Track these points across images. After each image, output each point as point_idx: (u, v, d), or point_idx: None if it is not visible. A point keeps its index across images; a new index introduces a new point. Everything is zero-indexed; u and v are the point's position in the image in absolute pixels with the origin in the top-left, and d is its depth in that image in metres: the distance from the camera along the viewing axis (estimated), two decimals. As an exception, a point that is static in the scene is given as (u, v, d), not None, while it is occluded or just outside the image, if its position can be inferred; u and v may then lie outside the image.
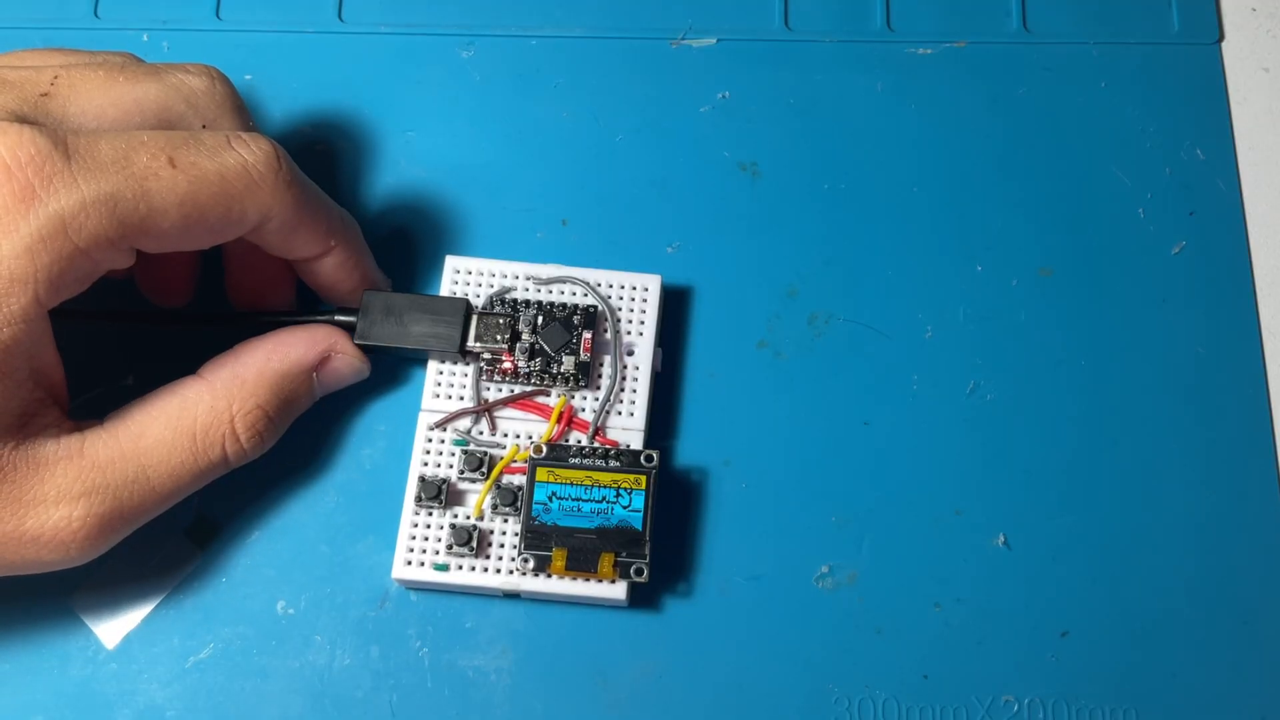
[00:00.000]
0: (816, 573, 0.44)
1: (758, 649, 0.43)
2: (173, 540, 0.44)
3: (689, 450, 0.45)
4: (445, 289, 0.45)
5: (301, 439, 0.45)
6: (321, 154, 0.49)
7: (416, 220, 0.48)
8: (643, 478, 0.42)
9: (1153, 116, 0.49)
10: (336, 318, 0.44)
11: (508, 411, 0.44)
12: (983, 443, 0.45)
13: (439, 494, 0.43)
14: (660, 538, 0.43)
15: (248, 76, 0.50)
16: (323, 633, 0.43)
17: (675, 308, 0.47)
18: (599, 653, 0.43)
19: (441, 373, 0.45)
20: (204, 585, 0.44)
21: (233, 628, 0.43)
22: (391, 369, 0.46)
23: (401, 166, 0.49)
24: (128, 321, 0.45)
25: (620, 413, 0.44)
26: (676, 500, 0.44)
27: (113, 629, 0.43)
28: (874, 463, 0.45)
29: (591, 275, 0.45)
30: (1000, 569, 0.44)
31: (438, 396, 0.44)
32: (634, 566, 0.42)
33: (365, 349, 0.44)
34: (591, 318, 0.44)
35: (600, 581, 0.42)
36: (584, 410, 0.44)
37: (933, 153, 0.49)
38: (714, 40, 0.50)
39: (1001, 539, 0.44)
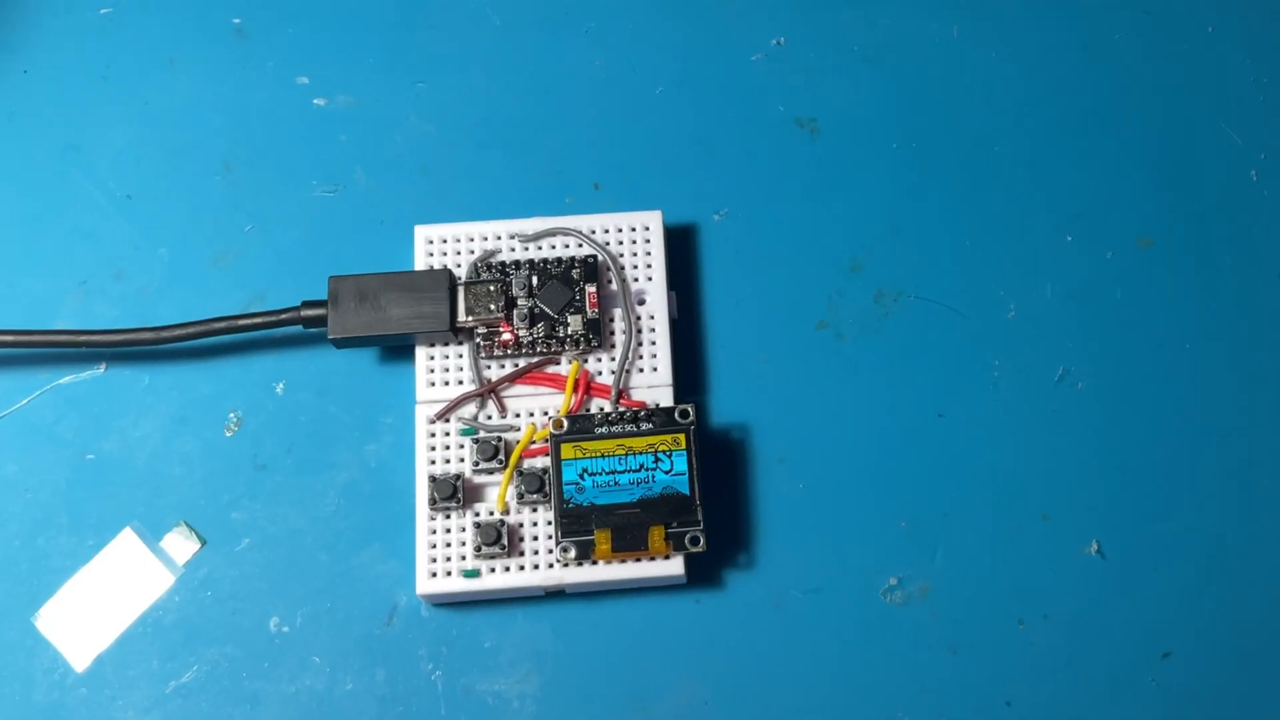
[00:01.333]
0: (884, 585, 0.43)
1: (817, 671, 0.42)
2: (151, 551, 0.43)
3: (724, 405, 0.45)
4: (420, 262, 0.44)
5: (296, 435, 0.44)
6: (318, 111, 0.48)
7: (425, 185, 0.47)
8: (681, 436, 0.41)
9: (1267, 66, 0.49)
10: (303, 313, 0.43)
11: (516, 388, 0.43)
12: (1073, 437, 0.44)
13: (454, 493, 0.42)
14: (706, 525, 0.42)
15: (236, 20, 0.49)
16: (321, 653, 0.42)
17: (722, 283, 0.46)
18: (635, 676, 0.42)
19: (433, 357, 0.44)
20: (186, 600, 0.43)
21: (219, 648, 0.42)
22: (376, 361, 0.45)
23: (410, 123, 0.48)
24: (63, 346, 0.44)
25: (642, 369, 0.43)
26: (719, 481, 0.43)
27: (82, 649, 0.42)
28: (949, 460, 0.44)
29: (583, 222, 0.45)
30: (1093, 581, 0.43)
31: (433, 384, 0.43)
32: (688, 535, 0.41)
33: (343, 342, 0.43)
34: (593, 269, 0.44)
35: (653, 559, 0.41)
36: (601, 373, 0.43)
37: (1016, 107, 0.48)
38: (767, -22, 0.50)
39: (1094, 546, 0.43)
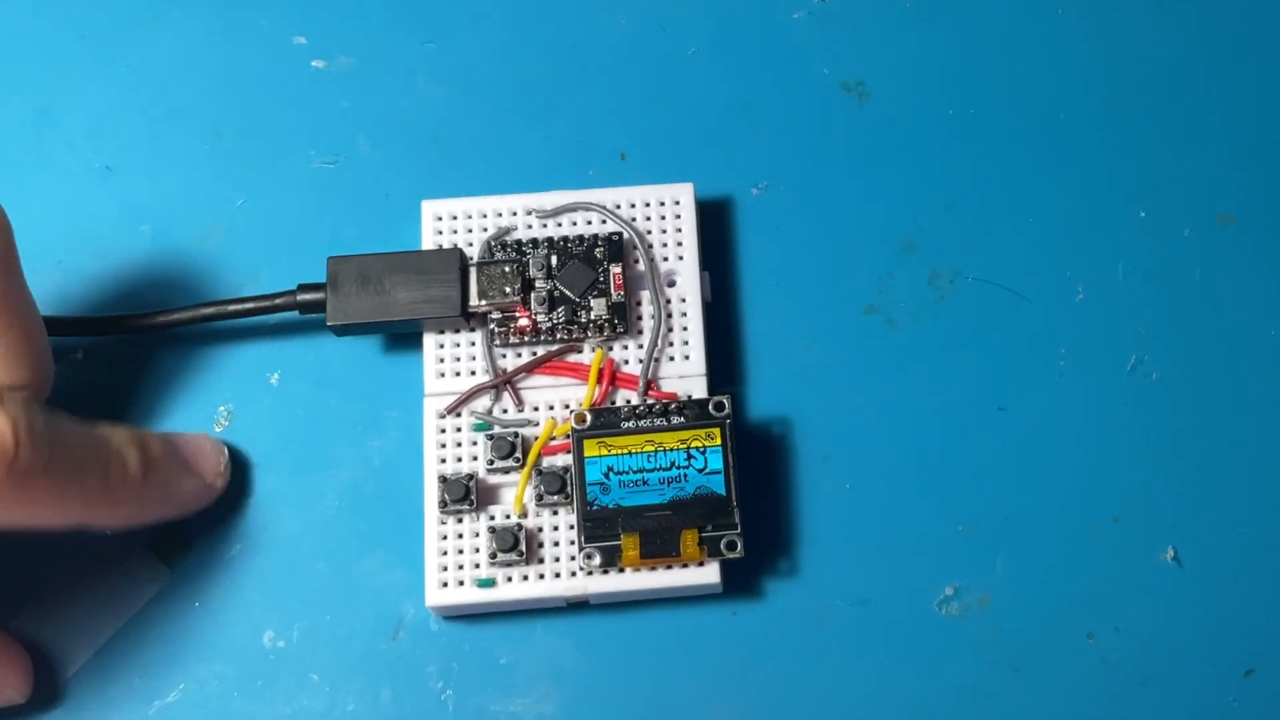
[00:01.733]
0: (939, 596, 0.42)
1: (864, 691, 0.41)
2: (134, 555, 0.43)
3: (762, 398, 0.44)
4: (428, 241, 0.43)
5: (292, 430, 0.44)
6: (317, 74, 0.47)
7: (435, 156, 0.46)
8: (716, 431, 0.40)
9: (1361, 26, 0.48)
10: (300, 298, 0.42)
11: (534, 379, 0.42)
12: (1147, 433, 0.44)
13: (467, 494, 0.41)
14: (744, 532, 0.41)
15: (225, -26, 0.48)
16: (321, 671, 0.41)
17: (760, 264, 0.45)
18: (664, 697, 0.41)
19: (443, 345, 0.43)
20: (172, 611, 0.42)
21: (208, 665, 0.41)
22: (380, 350, 0.44)
23: (418, 87, 0.47)
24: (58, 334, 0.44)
25: (672, 357, 0.43)
26: (758, 481, 0.43)
27: (57, 665, 0.41)
28: (1011, 458, 0.43)
29: (607, 196, 0.44)
30: (1169, 590, 0.42)
31: (443, 375, 0.42)
32: (724, 540, 0.40)
33: (343, 330, 0.42)
34: (618, 247, 0.43)
35: (686, 566, 0.41)
36: (628, 362, 0.43)
37: (1084, 68, 0.48)
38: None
39: (1170, 553, 0.42)
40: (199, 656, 0.42)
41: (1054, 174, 0.46)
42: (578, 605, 0.42)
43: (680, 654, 0.42)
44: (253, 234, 0.45)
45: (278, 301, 0.42)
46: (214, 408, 0.43)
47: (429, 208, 0.44)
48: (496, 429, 0.42)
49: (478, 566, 0.41)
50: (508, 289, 0.43)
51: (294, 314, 0.43)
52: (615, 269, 0.43)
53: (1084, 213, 0.46)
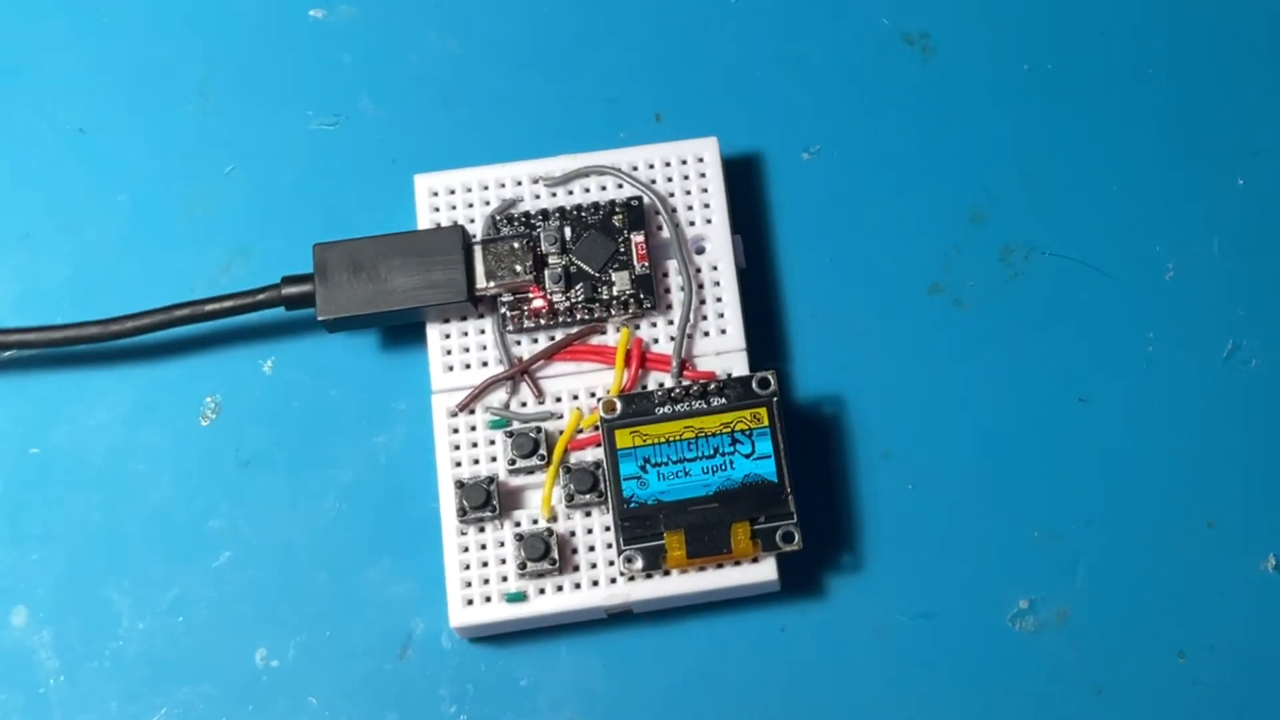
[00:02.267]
0: (1013, 609, 0.40)
1: (931, 715, 0.40)
2: None
3: (811, 384, 0.42)
4: (424, 220, 0.43)
5: (288, 424, 0.43)
6: (315, 25, 0.46)
7: (446, 117, 0.45)
8: (762, 411, 0.39)
9: None
10: (285, 291, 0.41)
11: (554, 367, 0.41)
12: (1245, 427, 0.42)
13: (487, 499, 0.40)
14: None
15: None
16: (320, 693, 0.40)
17: (812, 237, 0.44)
18: None
19: (448, 335, 0.42)
20: (152, 627, 0.41)
21: (193, 686, 0.40)
22: (378, 346, 0.43)
23: (427, 40, 0.46)
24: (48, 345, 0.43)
25: (707, 332, 0.41)
26: (806, 480, 0.41)
27: (23, 687, 0.40)
28: (1093, 456, 0.42)
29: (621, 157, 0.43)
30: (1269, 604, 0.41)
31: (451, 369, 0.41)
32: (779, 531, 0.39)
33: (337, 324, 0.41)
34: (638, 213, 0.42)
35: (738, 563, 0.39)
36: (658, 341, 0.41)
37: (1177, 19, 0.46)
38: None
39: (1271, 562, 0.41)
40: (182, 677, 0.41)
41: (1141, 136, 0.45)
42: (619, 616, 0.41)
43: (722, 672, 0.41)
44: (243, 204, 0.44)
45: (260, 298, 0.41)
46: (199, 399, 0.42)
47: (423, 182, 0.43)
48: (516, 425, 0.41)
49: (505, 580, 0.41)
50: (518, 267, 0.42)
51: (280, 310, 0.42)
52: (637, 238, 0.42)
53: (1175, 180, 0.45)
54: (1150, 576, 0.41)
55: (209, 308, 0.42)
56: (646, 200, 0.43)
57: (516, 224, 0.42)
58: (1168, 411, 0.43)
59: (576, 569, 0.41)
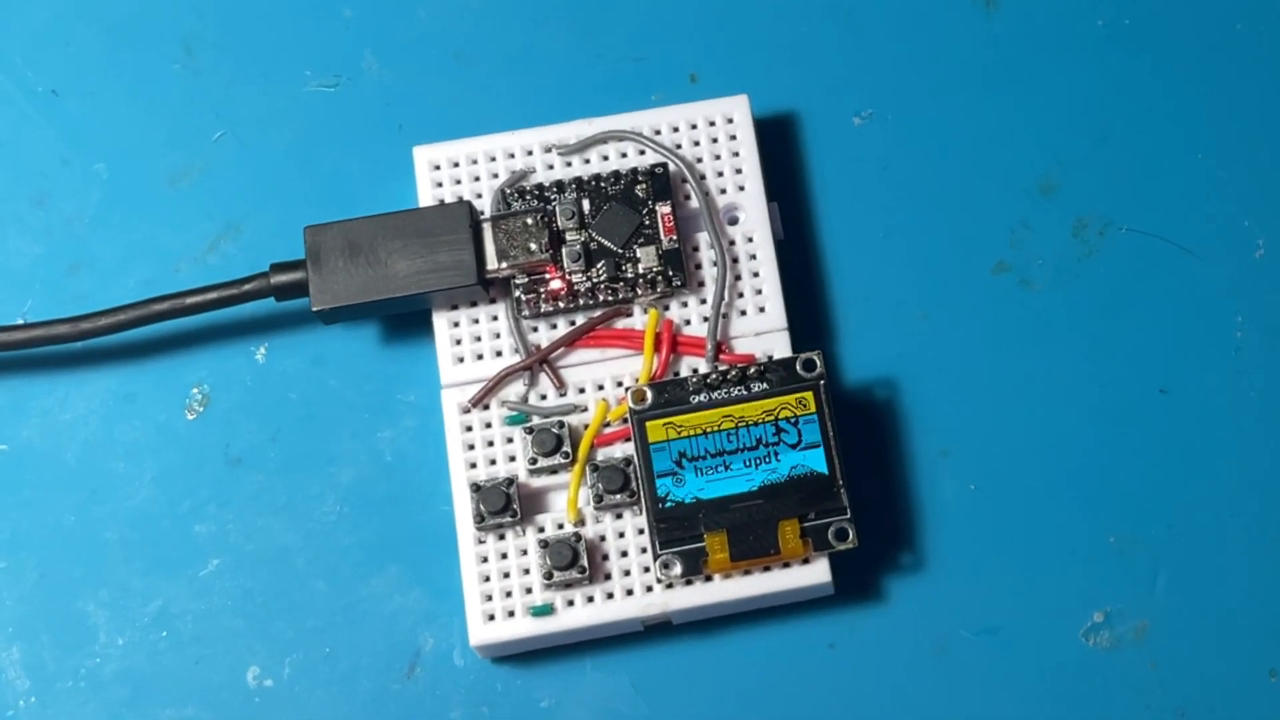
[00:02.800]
0: (1086, 623, 0.39)
1: None
2: None
3: (861, 370, 0.41)
4: (426, 196, 0.41)
5: (283, 418, 0.42)
6: None
7: (459, 76, 0.43)
8: (808, 395, 0.38)
9: None
10: (274, 280, 0.40)
11: (575, 354, 0.40)
12: None
13: (507, 504, 0.39)
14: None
15: None
16: (318, 716, 0.39)
17: (864, 209, 0.42)
18: None
19: (458, 324, 0.41)
20: (133, 643, 0.40)
21: (178, 709, 0.39)
22: (380, 338, 0.43)
23: None
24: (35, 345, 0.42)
25: (744, 311, 0.40)
26: (856, 478, 0.39)
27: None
28: (1174, 452, 0.41)
29: (643, 120, 0.41)
30: None
31: (461, 360, 0.40)
32: (832, 528, 0.37)
33: (333, 315, 0.41)
34: (663, 181, 0.41)
35: (787, 565, 0.38)
36: (689, 322, 0.40)
37: None
38: None
39: None
40: (166, 699, 0.40)
41: (1229, 98, 0.44)
42: (654, 629, 0.40)
43: (766, 691, 0.40)
44: (233, 174, 0.43)
45: (247, 288, 0.40)
46: (185, 389, 0.41)
47: (423, 155, 0.42)
48: (535, 420, 0.40)
49: (529, 591, 0.40)
50: (532, 245, 0.41)
51: (270, 301, 0.42)
52: (663, 208, 0.41)
53: (1265, 149, 0.43)
54: (1237, 586, 0.40)
55: (190, 301, 0.41)
56: (672, 167, 0.41)
57: (529, 198, 0.41)
58: (1257, 403, 0.41)
59: (608, 577, 0.40)
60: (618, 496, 0.40)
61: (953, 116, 0.44)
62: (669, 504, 0.39)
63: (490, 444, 0.40)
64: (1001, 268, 0.43)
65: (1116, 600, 0.40)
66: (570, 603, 0.39)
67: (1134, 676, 0.39)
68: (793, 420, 0.39)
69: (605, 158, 0.42)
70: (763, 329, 0.41)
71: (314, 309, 0.40)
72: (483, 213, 0.41)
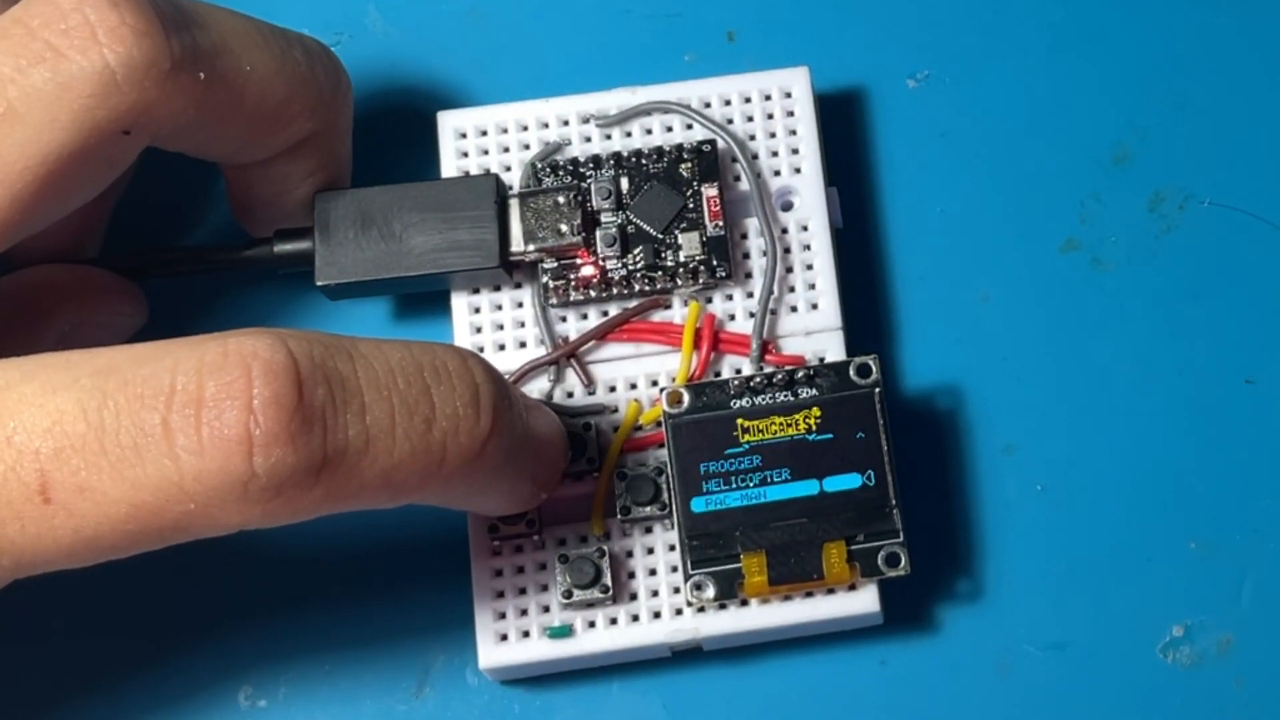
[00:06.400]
0: (1164, 638, 0.38)
1: None
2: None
3: (918, 365, 0.40)
4: (449, 167, 0.40)
5: None
6: None
7: (475, 34, 0.42)
8: (862, 404, 0.38)
9: None
10: (276, 249, 0.39)
11: (606, 349, 0.39)
12: None
13: (524, 514, 0.38)
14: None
15: None
16: None
17: (917, 182, 0.41)
18: None
19: (478, 309, 0.39)
20: (115, 658, 0.38)
21: None
22: (390, 317, 0.41)
23: None
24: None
25: (795, 307, 0.39)
26: (913, 481, 0.38)
27: None
28: (1261, 449, 0.39)
29: (691, 90, 0.40)
30: None
31: (481, 350, 0.39)
32: (882, 553, 0.36)
33: (339, 291, 0.39)
34: (711, 160, 0.39)
35: (831, 591, 0.37)
36: (734, 317, 0.39)
37: None
38: None
39: None
40: None
41: None
42: (685, 654, 0.38)
43: (811, 714, 0.38)
44: None
45: (247, 254, 0.39)
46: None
47: (448, 120, 0.40)
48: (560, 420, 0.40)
49: (547, 610, 0.38)
50: (563, 227, 0.39)
51: (271, 272, 0.40)
52: (709, 190, 0.40)
53: None
54: (1335, 597, 0.40)
55: (181, 267, 0.40)
56: (721, 144, 0.40)
57: (562, 173, 0.40)
58: (1355, 396, 0.41)
59: (634, 598, 0.38)
60: (647, 509, 0.38)
61: (1016, 78, 0.42)
62: (704, 519, 0.38)
63: (509, 448, 0.40)
64: (1070, 245, 0.41)
65: (1198, 613, 0.38)
66: (591, 624, 0.38)
67: (1217, 696, 0.38)
68: (843, 431, 0.38)
69: (648, 131, 0.41)
70: (814, 328, 0.40)
71: (319, 283, 0.39)
72: (511, 188, 0.40)
